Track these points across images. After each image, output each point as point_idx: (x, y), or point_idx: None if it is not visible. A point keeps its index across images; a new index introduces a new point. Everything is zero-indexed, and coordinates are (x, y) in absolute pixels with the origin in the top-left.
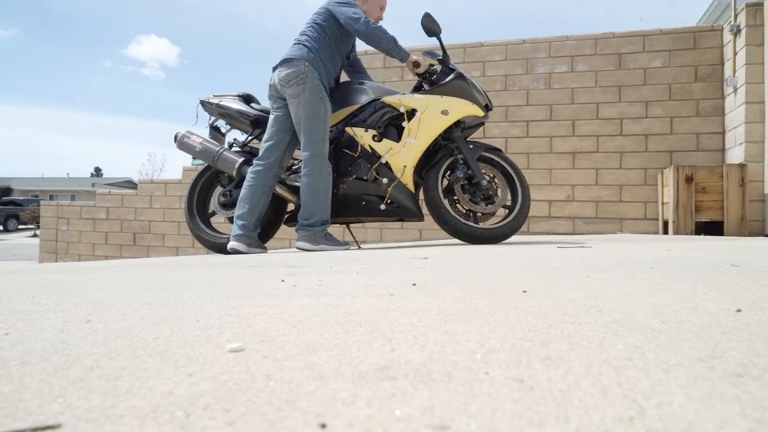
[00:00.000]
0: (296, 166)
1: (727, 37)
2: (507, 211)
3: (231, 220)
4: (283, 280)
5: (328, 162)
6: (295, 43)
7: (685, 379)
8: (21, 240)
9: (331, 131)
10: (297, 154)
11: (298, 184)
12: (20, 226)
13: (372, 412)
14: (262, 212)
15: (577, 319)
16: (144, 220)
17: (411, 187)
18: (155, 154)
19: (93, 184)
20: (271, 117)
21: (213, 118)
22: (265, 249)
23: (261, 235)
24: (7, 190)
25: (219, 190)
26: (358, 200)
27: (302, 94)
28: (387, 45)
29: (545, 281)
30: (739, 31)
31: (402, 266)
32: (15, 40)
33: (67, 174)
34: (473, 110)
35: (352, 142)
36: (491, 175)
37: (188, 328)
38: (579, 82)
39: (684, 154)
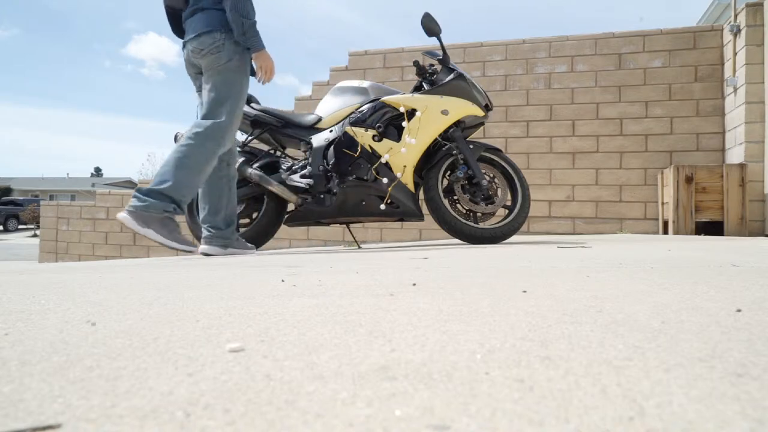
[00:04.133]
0: (296, 166)
1: (727, 37)
2: (507, 211)
3: None
4: (283, 280)
5: (224, 140)
6: (202, 9)
7: (685, 379)
8: (21, 240)
9: (331, 131)
10: (296, 153)
11: (297, 183)
12: (20, 226)
13: (372, 412)
14: (229, 207)
15: (577, 319)
16: None
17: (411, 187)
18: (155, 154)
19: (93, 184)
20: (198, 99)
21: None
22: (250, 248)
23: (261, 235)
24: (7, 190)
25: None
26: (358, 200)
27: (218, 63)
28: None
29: (545, 281)
30: (739, 31)
31: (402, 266)
32: (15, 40)
33: (67, 174)
34: (473, 110)
35: (352, 142)
36: (491, 175)
37: (188, 328)
38: (579, 82)
39: (684, 154)
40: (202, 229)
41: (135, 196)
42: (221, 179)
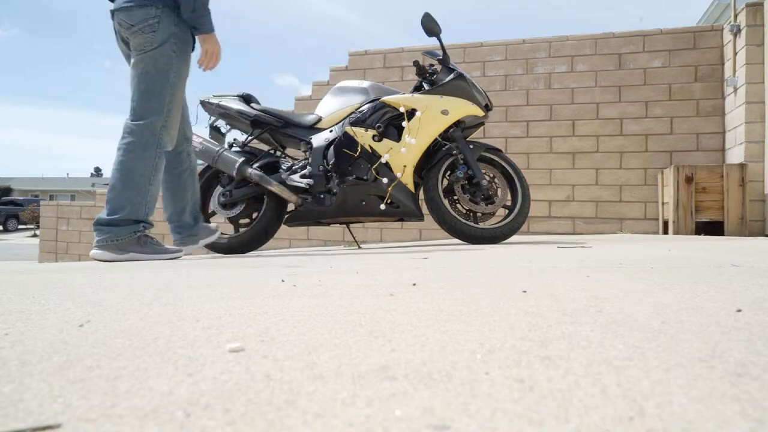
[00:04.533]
0: (296, 166)
1: (727, 37)
2: (507, 211)
3: (231, 220)
4: (283, 280)
5: (163, 141)
6: None
7: (685, 379)
8: (21, 240)
9: (331, 131)
10: (296, 153)
11: (297, 183)
12: (20, 226)
13: (372, 412)
14: (193, 198)
15: (577, 319)
16: None
17: (411, 187)
18: None
19: (93, 184)
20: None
21: (213, 118)
22: (216, 227)
23: (261, 235)
24: (7, 190)
25: (219, 190)
26: (358, 200)
27: (150, 45)
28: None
29: (545, 281)
30: (739, 31)
31: (402, 266)
32: (15, 40)
33: (67, 174)
34: (473, 110)
35: (352, 142)
36: (491, 175)
37: (188, 328)
38: (579, 82)
39: (684, 154)
40: (170, 229)
41: (98, 230)
42: (184, 173)
